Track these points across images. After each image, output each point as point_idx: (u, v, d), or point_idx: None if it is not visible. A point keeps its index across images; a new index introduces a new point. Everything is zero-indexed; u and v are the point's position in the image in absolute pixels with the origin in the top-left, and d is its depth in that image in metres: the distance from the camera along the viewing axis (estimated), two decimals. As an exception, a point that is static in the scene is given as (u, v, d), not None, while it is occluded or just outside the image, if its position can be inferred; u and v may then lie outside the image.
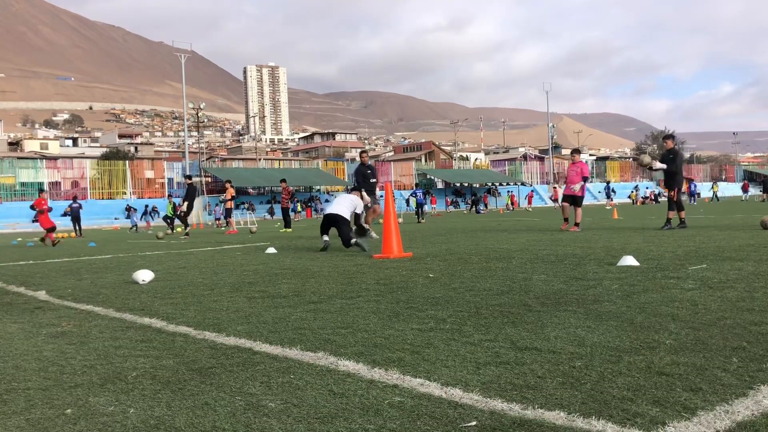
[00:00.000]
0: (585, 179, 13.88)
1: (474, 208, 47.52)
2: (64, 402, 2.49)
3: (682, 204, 12.98)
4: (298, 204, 54.65)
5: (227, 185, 23.70)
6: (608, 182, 58.99)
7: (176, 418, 2.24)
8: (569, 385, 2.40)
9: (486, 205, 51.25)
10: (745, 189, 55.32)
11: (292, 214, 30.75)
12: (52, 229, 17.33)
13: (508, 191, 60.88)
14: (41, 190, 20.42)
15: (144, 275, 6.57)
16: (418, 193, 31.18)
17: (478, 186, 69.78)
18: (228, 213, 23.99)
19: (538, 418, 2.07)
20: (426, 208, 29.49)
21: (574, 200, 14.03)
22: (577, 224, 13.73)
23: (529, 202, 55.02)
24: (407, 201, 28.49)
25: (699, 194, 47.70)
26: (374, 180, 13.94)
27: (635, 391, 2.30)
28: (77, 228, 25.89)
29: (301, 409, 2.27)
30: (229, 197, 23.57)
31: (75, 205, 25.95)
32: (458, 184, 70.29)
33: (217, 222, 32.30)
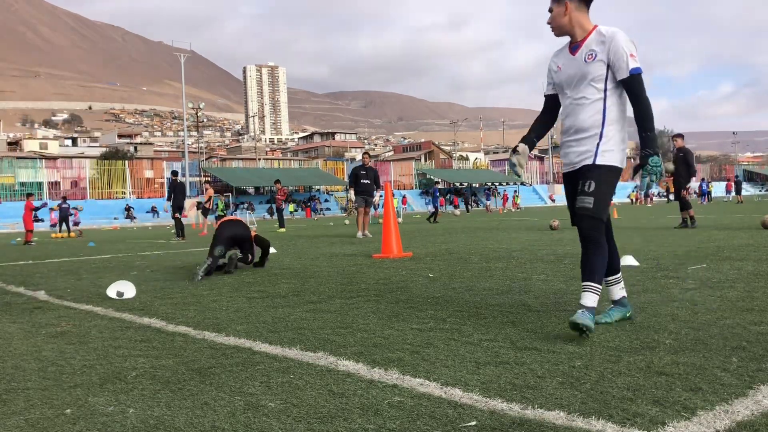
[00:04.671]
0: None
1: (466, 207, 47.60)
2: (64, 402, 2.49)
3: (689, 203, 13.04)
4: (290, 205, 54.54)
5: (206, 186, 23.68)
6: (703, 179, 55.83)
7: (176, 418, 2.23)
8: (569, 385, 2.40)
9: (470, 205, 51.12)
10: (728, 189, 53.67)
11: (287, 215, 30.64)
12: (31, 230, 19.31)
13: (504, 191, 60.82)
14: (30, 194, 20.71)
15: (122, 288, 5.57)
16: (435, 192, 30.91)
17: (477, 186, 69.78)
18: (204, 213, 23.96)
19: (538, 418, 2.07)
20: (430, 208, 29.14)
21: None
22: None
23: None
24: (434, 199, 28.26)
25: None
26: (367, 181, 13.93)
27: (635, 391, 2.30)
28: (66, 227, 25.86)
29: (300, 409, 2.27)
30: (207, 198, 23.59)
31: (64, 205, 26.01)
32: (458, 184, 70.30)
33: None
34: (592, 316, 3.18)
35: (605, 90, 3.35)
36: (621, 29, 3.33)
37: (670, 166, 13.27)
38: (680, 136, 13.67)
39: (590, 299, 3.24)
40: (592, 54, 3.33)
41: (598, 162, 3.33)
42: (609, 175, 3.33)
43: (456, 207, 46.57)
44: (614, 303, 3.58)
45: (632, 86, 3.28)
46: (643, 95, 3.28)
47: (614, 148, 3.34)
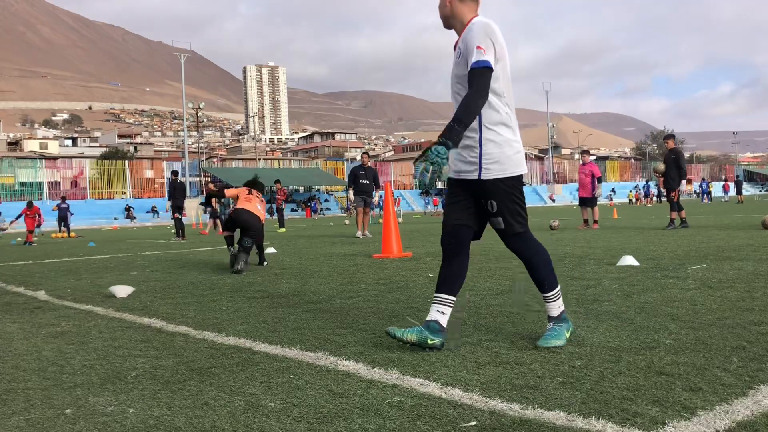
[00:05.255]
0: (599, 179, 14.69)
1: None
2: (64, 402, 2.49)
3: (681, 204, 13.00)
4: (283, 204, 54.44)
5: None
6: (704, 179, 54.45)
7: (176, 418, 2.24)
8: (569, 385, 2.40)
9: None
10: (725, 189, 53.10)
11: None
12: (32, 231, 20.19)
13: None
14: (30, 203, 20.91)
15: (121, 290, 5.59)
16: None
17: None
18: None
19: (538, 418, 2.07)
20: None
21: (584, 201, 14.69)
22: (596, 221, 14.54)
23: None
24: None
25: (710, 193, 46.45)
26: (366, 182, 14.19)
27: (635, 391, 2.30)
28: (66, 227, 25.90)
29: (300, 409, 2.27)
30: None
31: (63, 205, 26.04)
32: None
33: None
34: (561, 326, 3.05)
35: None
36: (491, 20, 3.00)
37: (661, 167, 13.25)
38: (671, 137, 13.65)
39: (554, 309, 3.10)
40: (458, 51, 3.04)
41: (484, 177, 3.00)
42: (505, 188, 3.02)
43: (435, 207, 45.85)
44: (426, 323, 3.07)
45: (470, 80, 2.88)
46: (474, 89, 2.85)
47: (498, 158, 2.98)
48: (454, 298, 3.15)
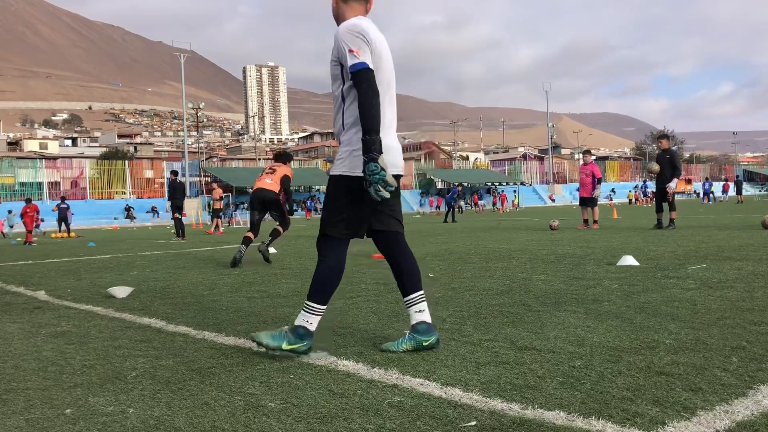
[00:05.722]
0: (599, 180, 14.67)
1: (459, 208, 46.93)
2: (64, 402, 2.49)
3: (661, 206, 12.89)
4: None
5: (214, 185, 23.81)
6: (707, 179, 55.06)
7: (176, 418, 2.24)
8: (569, 385, 2.40)
9: (468, 205, 50.27)
10: (725, 189, 52.80)
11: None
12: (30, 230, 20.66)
13: (502, 191, 60.73)
14: (29, 200, 21.19)
15: (120, 291, 5.60)
16: (455, 193, 30.59)
17: (472, 185, 69.81)
18: (215, 213, 23.91)
19: (538, 418, 2.07)
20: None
21: (584, 201, 14.68)
22: (595, 221, 14.52)
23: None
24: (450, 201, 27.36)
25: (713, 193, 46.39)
26: None
27: (635, 391, 2.30)
28: (66, 227, 25.91)
29: (300, 409, 2.27)
30: (217, 197, 23.61)
31: (63, 205, 26.03)
32: (454, 184, 70.20)
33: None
34: (291, 336, 2.96)
35: (342, 92, 3.01)
36: (364, 19, 3.00)
37: (656, 167, 13.19)
38: (665, 137, 13.57)
39: (299, 318, 3.02)
40: (332, 51, 3.02)
41: (332, 173, 3.04)
42: (331, 187, 3.03)
43: (438, 208, 45.58)
44: (413, 327, 3.07)
45: (355, 86, 2.87)
46: (362, 94, 2.82)
47: (344, 156, 2.97)
48: (422, 291, 3.14)
